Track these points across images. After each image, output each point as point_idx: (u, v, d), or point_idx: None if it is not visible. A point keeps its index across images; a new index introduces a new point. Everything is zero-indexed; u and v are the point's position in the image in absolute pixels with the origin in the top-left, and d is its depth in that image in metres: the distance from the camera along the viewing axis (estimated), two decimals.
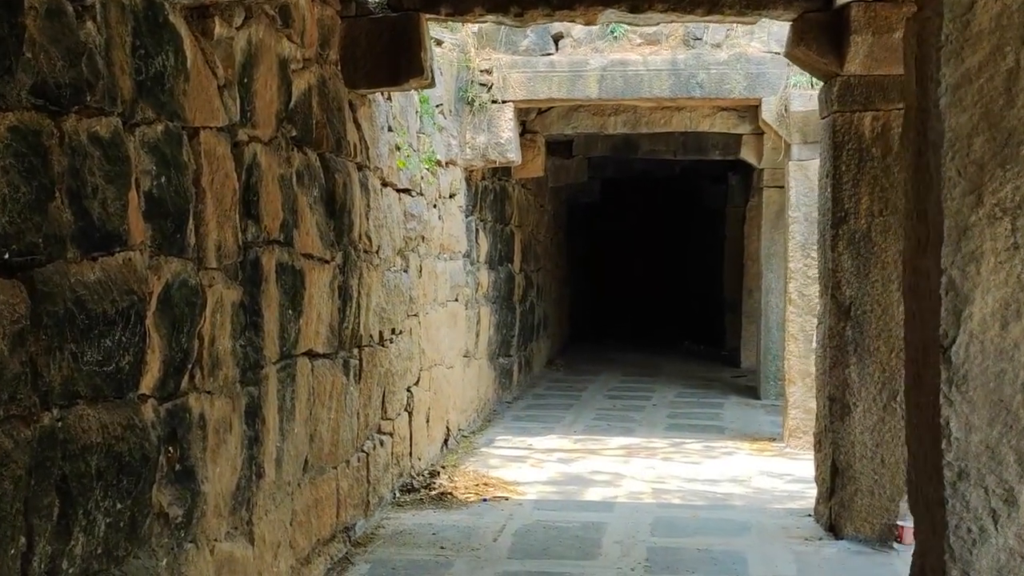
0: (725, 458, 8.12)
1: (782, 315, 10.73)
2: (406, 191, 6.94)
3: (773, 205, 11.06)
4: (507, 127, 8.65)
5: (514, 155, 8.74)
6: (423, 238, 7.34)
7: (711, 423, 9.73)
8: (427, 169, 7.47)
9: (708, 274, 18.08)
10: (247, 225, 4.21)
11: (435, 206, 7.75)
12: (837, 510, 5.74)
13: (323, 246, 5.16)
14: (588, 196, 16.08)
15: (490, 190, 9.86)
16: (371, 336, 6.05)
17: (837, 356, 5.74)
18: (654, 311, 19.89)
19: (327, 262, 5.24)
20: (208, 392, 3.85)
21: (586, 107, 10.73)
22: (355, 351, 5.77)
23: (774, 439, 8.83)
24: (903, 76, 5.69)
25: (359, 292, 5.77)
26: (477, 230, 9.29)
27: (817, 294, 8.28)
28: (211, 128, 3.90)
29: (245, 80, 4.19)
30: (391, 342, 6.53)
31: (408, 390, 7.00)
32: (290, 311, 4.68)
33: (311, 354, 5.03)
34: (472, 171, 8.95)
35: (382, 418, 6.40)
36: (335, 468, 5.45)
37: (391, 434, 6.58)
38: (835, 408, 5.76)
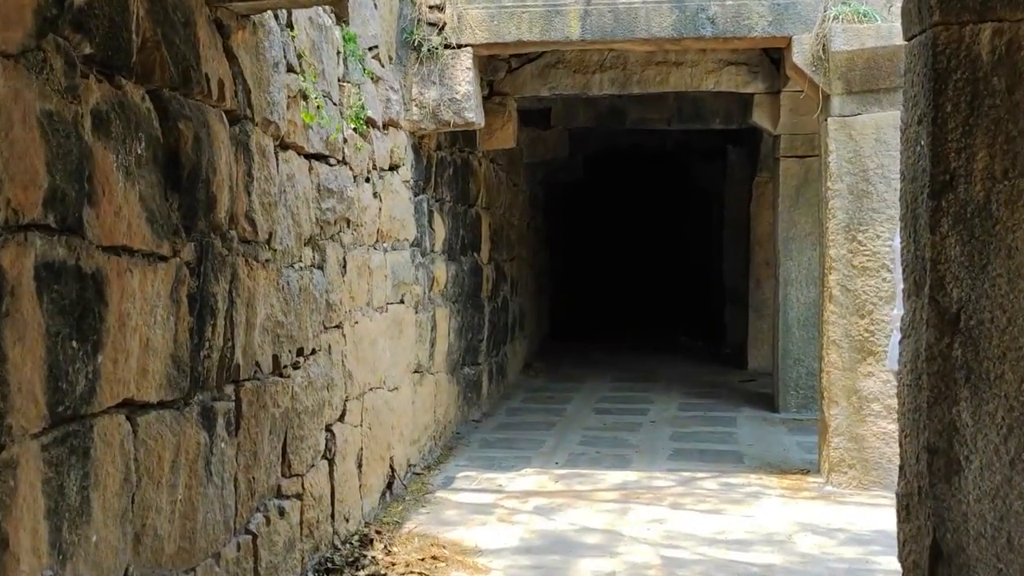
0: (751, 503, 6.28)
1: (807, 311, 9.00)
2: (320, 157, 5.06)
3: (792, 179, 9.25)
4: (464, 78, 6.75)
5: (474, 115, 6.85)
6: (348, 222, 5.46)
7: (725, 447, 7.88)
8: (354, 129, 5.58)
9: (705, 261, 16.26)
10: None
11: (368, 179, 5.86)
12: None
13: (154, 234, 3.27)
14: (569, 174, 14.16)
15: (448, 162, 7.97)
16: (257, 364, 4.17)
17: (939, 387, 3.86)
18: (645, 302, 18.02)
19: (164, 259, 3.35)
20: None
21: (566, 62, 8.89)
22: (227, 389, 3.89)
23: (808, 471, 7.00)
24: None
25: (231, 302, 3.88)
26: (431, 212, 7.40)
27: (864, 289, 6.49)
28: None
29: None
30: (296, 368, 4.65)
31: (328, 430, 5.13)
32: (75, 343, 2.80)
33: (132, 405, 3.15)
34: (422, 137, 7.05)
35: (284, 476, 4.53)
36: (191, 572, 3.58)
37: (299, 496, 4.70)
38: (937, 463, 3.88)
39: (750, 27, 6.53)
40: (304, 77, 4.80)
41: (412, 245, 6.87)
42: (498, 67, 8.71)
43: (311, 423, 4.84)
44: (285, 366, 4.50)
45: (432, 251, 7.44)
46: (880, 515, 5.91)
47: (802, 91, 8.32)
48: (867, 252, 6.44)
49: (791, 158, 9.23)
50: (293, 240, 4.62)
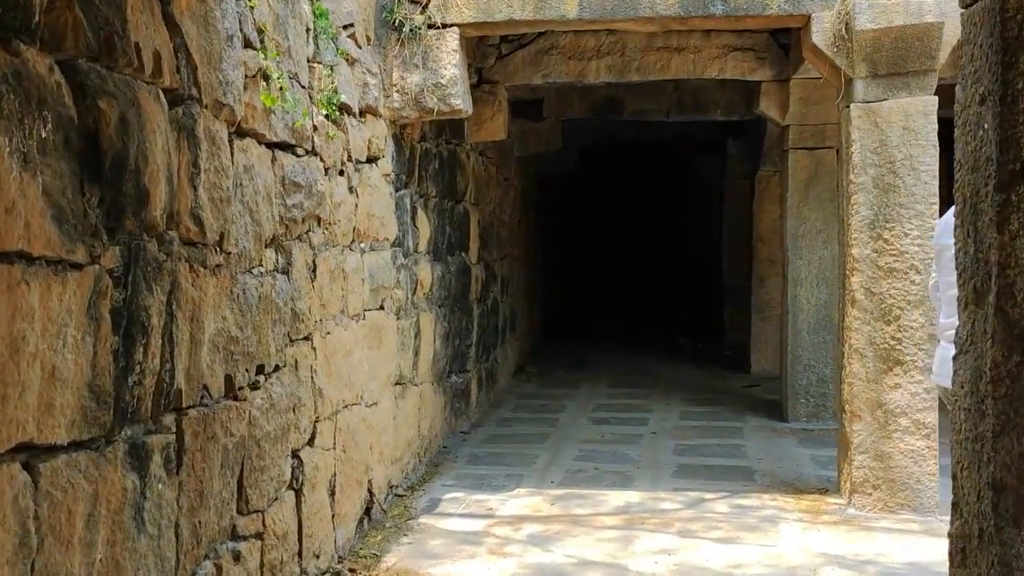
0: (767, 529, 5.69)
1: (818, 314, 8.48)
2: (285, 147, 4.44)
3: (802, 172, 8.67)
4: (450, 61, 6.13)
5: (460, 101, 6.23)
6: (319, 220, 4.85)
7: (733, 462, 7.29)
8: (326, 116, 4.97)
9: (704, 254, 15.68)
10: None
11: (342, 172, 5.25)
12: None
13: (64, 236, 2.66)
14: (563, 167, 13.54)
15: (434, 155, 7.36)
16: (205, 388, 3.55)
17: (1008, 413, 3.26)
18: (641, 300, 17.43)
19: (78, 266, 2.74)
20: None
21: (560, 48, 8.29)
22: (166, 420, 3.27)
23: (826, 491, 6.41)
24: None
25: (169, 316, 3.27)
26: (414, 209, 6.79)
27: (891, 292, 5.91)
28: None
29: None
30: (255, 389, 4.04)
31: (294, 456, 4.52)
32: None
33: (33, 450, 2.54)
34: (404, 126, 6.44)
35: (240, 514, 3.92)
36: None
37: (259, 535, 4.09)
38: (1004, 503, 3.29)
39: (764, 4, 5.92)
40: (265, 55, 4.19)
41: (393, 245, 6.26)
42: (487, 53, 8.12)
43: (273, 451, 4.23)
44: (241, 387, 3.89)
45: (416, 251, 6.83)
46: (912, 544, 5.34)
47: (814, 78, 7.75)
48: (894, 251, 5.85)
49: (801, 150, 8.65)
50: (251, 242, 4.01)
